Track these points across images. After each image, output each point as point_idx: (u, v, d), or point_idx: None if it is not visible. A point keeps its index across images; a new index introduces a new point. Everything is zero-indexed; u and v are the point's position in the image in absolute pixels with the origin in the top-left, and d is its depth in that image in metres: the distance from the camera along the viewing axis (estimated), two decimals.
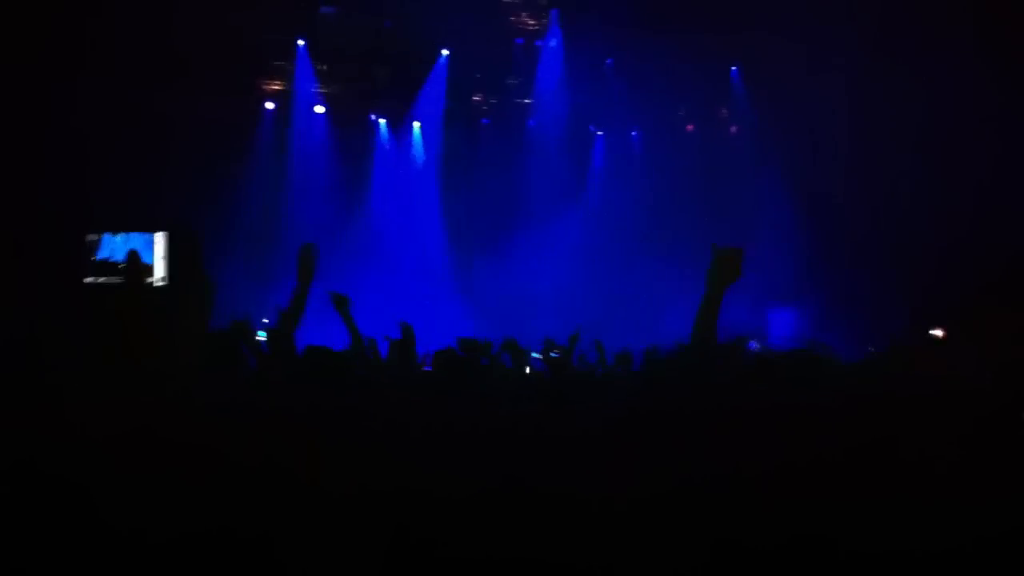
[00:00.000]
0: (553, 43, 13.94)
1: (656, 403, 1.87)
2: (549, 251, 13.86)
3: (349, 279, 12.69)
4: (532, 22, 13.67)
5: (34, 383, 2.40)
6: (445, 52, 13.79)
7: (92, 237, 12.35)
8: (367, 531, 1.70)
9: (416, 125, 14.82)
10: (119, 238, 12.42)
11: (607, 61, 13.71)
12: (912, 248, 11.78)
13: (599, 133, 14.97)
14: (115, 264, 12.12)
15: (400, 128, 14.93)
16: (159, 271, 11.80)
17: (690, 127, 14.44)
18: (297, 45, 13.39)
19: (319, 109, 14.23)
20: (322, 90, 14.06)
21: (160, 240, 12.23)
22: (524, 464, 1.75)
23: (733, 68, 14.08)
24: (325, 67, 13.65)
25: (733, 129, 14.42)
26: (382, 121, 14.76)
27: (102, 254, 12.33)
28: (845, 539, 1.42)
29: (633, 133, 14.87)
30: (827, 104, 11.97)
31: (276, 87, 14.15)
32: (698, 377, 2.29)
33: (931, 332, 9.25)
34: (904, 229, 11.94)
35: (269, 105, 14.11)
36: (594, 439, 1.78)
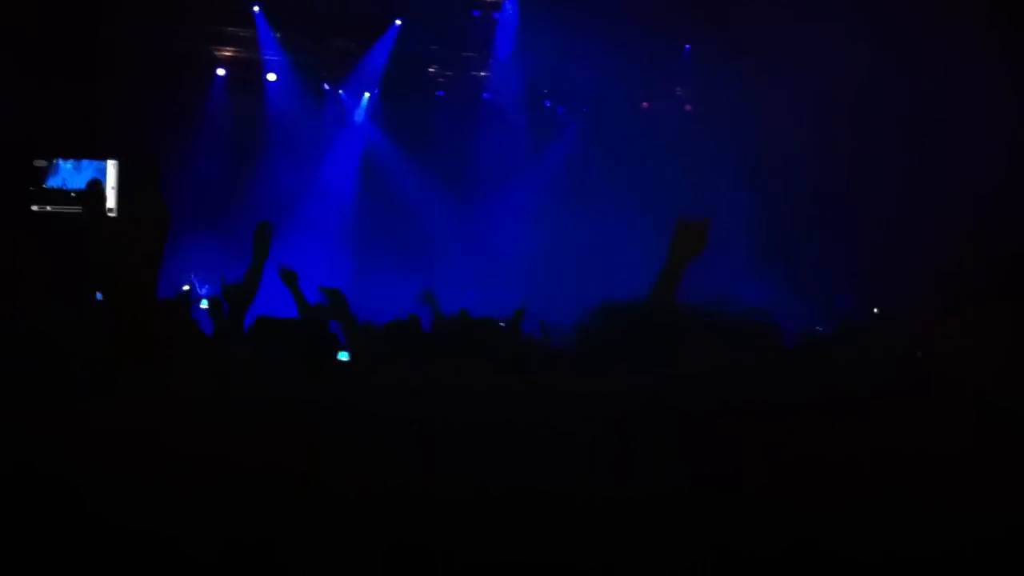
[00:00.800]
0: (509, 15, 13.87)
1: (653, 402, 1.91)
2: (506, 222, 13.86)
3: (305, 250, 12.65)
4: None
5: None
6: (398, 22, 13.65)
7: (40, 163, 11.91)
8: (363, 533, 1.72)
9: (366, 95, 14.68)
10: (69, 165, 12.04)
11: (564, 35, 13.70)
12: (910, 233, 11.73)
13: (558, 109, 14.95)
14: (67, 192, 11.81)
15: (353, 98, 14.78)
16: (110, 201, 11.52)
17: (646, 104, 14.51)
18: (253, 11, 13.15)
19: (271, 77, 14.03)
20: (275, 57, 13.86)
21: (112, 169, 11.92)
22: (522, 464, 1.77)
23: (687, 46, 14.13)
24: (279, 34, 13.44)
25: (688, 107, 14.51)
26: (340, 92, 14.60)
27: (52, 182, 11.97)
28: (847, 543, 1.47)
29: (584, 108, 14.89)
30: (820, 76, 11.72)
31: (227, 53, 13.90)
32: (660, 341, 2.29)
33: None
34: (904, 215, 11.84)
35: (220, 71, 13.86)
36: (593, 438, 1.81)
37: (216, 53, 13.76)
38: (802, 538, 1.48)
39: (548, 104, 14.92)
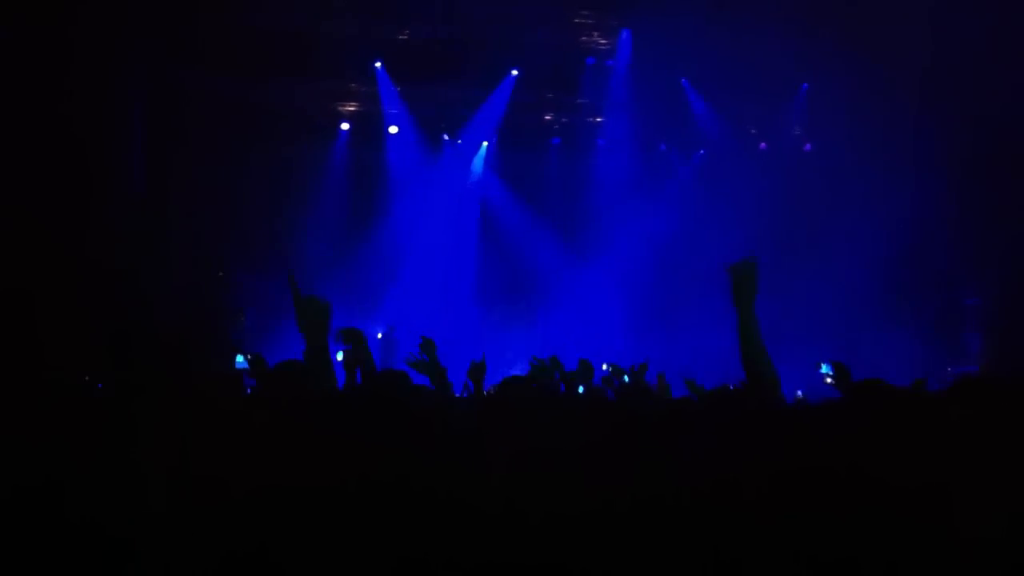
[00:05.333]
0: (623, 61, 13.95)
1: (656, 410, 1.92)
2: (622, 265, 13.75)
3: (425, 295, 12.89)
4: (603, 41, 13.72)
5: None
6: (514, 72, 13.89)
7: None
8: (371, 540, 1.75)
9: (484, 145, 14.97)
10: None
11: (678, 79, 13.72)
12: None
13: (673, 153, 14.87)
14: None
15: (471, 148, 15.10)
16: None
17: (763, 145, 14.32)
18: (375, 67, 13.62)
19: (393, 129, 14.44)
20: (395, 111, 14.27)
21: None
22: (525, 473, 1.78)
23: (804, 85, 13.92)
24: (400, 88, 13.86)
25: (807, 147, 14.25)
26: (459, 142, 14.94)
27: None
28: (850, 552, 1.44)
29: (700, 152, 14.78)
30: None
31: (351, 108, 14.39)
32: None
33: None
34: None
35: (344, 126, 14.35)
36: (595, 446, 1.81)
37: (340, 109, 14.28)
38: (803, 549, 1.46)
39: (663, 148, 14.87)
